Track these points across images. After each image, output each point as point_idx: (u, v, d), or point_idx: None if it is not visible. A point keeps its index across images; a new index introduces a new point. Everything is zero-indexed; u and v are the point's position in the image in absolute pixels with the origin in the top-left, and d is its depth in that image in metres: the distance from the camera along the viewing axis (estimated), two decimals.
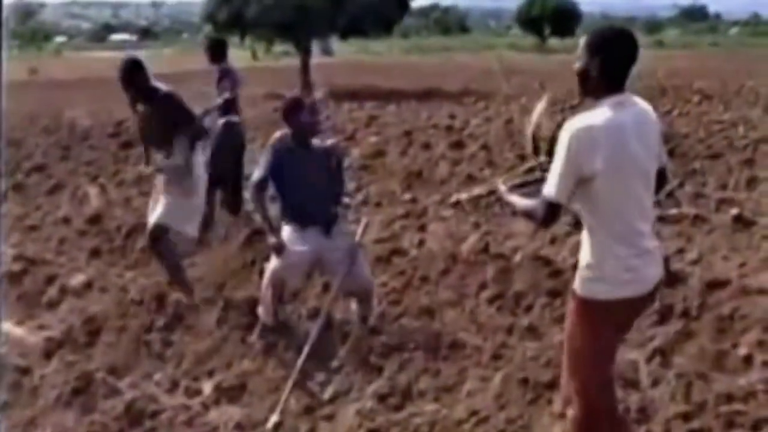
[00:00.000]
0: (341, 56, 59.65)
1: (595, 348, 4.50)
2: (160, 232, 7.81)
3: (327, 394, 6.13)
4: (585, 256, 4.40)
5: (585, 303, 4.42)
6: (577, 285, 4.45)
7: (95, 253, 9.50)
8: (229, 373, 6.43)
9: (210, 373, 6.50)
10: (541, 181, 4.40)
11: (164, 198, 7.89)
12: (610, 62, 4.24)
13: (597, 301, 4.38)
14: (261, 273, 8.46)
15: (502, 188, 4.84)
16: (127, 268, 8.89)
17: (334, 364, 6.45)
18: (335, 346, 6.65)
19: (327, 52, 46.82)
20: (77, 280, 8.23)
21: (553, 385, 5.94)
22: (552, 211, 4.27)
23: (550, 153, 4.43)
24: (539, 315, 7.52)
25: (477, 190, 6.06)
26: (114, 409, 5.61)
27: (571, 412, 4.62)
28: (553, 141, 4.59)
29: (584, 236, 4.44)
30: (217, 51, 10.53)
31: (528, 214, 4.49)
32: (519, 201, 4.62)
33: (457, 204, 5.98)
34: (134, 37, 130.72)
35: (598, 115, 4.22)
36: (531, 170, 6.38)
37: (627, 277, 4.34)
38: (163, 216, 7.80)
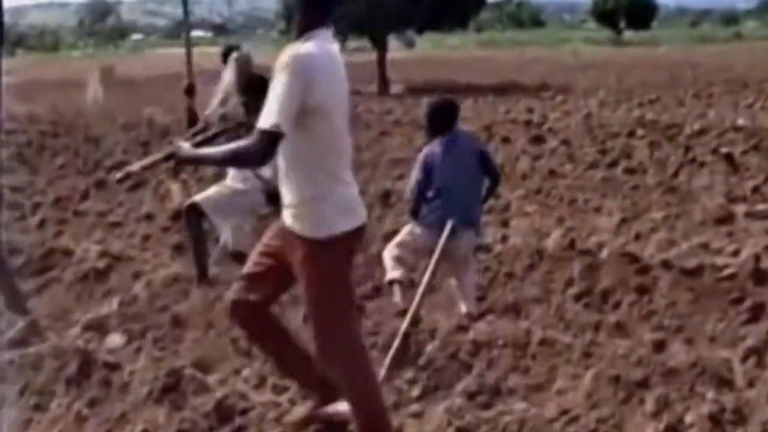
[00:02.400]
0: (415, 51, 59.59)
1: (341, 288, 4.57)
2: (193, 211, 8.09)
3: (415, 391, 6.07)
4: (303, 193, 4.39)
5: (320, 243, 4.40)
6: (304, 228, 4.42)
7: (179, 249, 9.56)
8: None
9: None
10: (234, 129, 4.38)
11: (220, 186, 8.22)
12: None
13: (333, 237, 4.39)
14: None
15: (186, 146, 4.75)
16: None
17: (422, 361, 6.39)
18: (423, 343, 6.58)
19: (410, 44, 46.73)
20: (162, 276, 8.26)
21: (644, 383, 5.83)
22: (271, 141, 4.16)
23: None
24: (627, 312, 7.41)
25: (149, 158, 5.99)
26: (204, 406, 5.59)
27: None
28: None
29: (296, 173, 4.42)
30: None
31: (236, 157, 4.41)
32: (215, 150, 4.57)
33: (126, 178, 5.94)
34: (209, 34, 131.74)
35: (314, 46, 4.21)
36: (203, 130, 6.39)
37: (351, 206, 4.48)
38: (204, 198, 8.11)
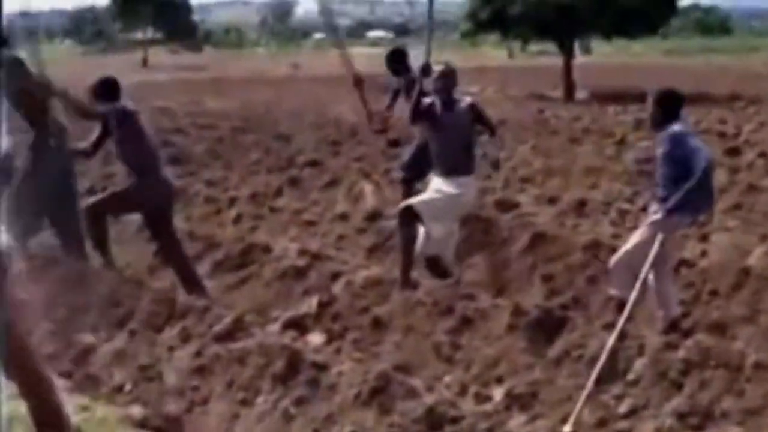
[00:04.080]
0: (599, 56, 58.75)
1: None
2: (410, 214, 8.06)
3: (623, 408, 5.92)
4: None
5: None
6: None
7: (373, 250, 9.59)
8: (520, 380, 6.31)
9: (499, 380, 6.42)
10: None
11: (434, 191, 8.13)
12: None
13: None
14: (543, 278, 8.35)
15: None
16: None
17: (630, 377, 6.21)
18: (631, 359, 6.40)
19: (586, 50, 46.14)
20: (361, 276, 8.28)
21: None
22: None
23: None
24: None
25: None
26: (413, 412, 5.56)
27: None
28: None
29: None
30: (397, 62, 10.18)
31: None
32: None
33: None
34: (390, 34, 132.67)
35: None
36: None
37: None
38: (421, 202, 8.08)
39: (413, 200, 8.22)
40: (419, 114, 8.22)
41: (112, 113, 8.57)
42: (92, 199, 8.61)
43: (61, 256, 8.92)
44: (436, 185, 8.15)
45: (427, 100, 8.17)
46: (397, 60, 10.01)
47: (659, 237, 6.83)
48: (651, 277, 6.98)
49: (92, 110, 8.72)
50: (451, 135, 8.11)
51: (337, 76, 39.27)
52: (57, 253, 9.04)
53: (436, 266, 8.24)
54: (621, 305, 6.97)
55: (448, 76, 8.24)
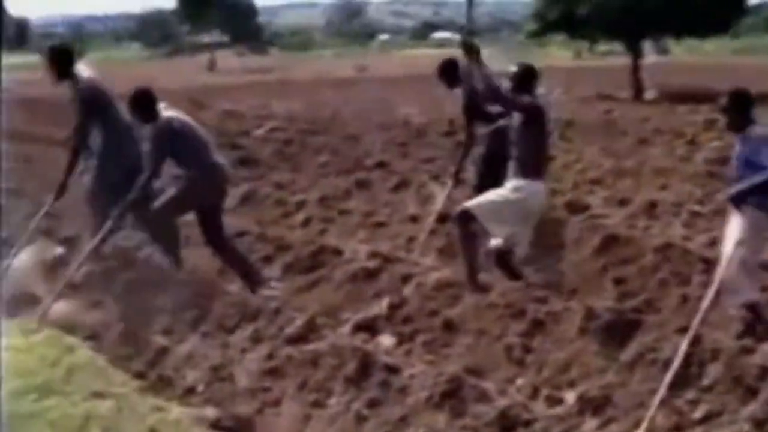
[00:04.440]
0: (666, 55, 58.14)
1: None
2: (466, 217, 8.07)
3: (697, 413, 5.85)
4: None
5: None
6: None
7: (444, 252, 9.57)
8: (592, 384, 6.27)
9: (571, 383, 6.38)
10: None
11: (495, 193, 8.11)
12: None
13: None
14: (615, 280, 8.28)
15: None
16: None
17: (705, 382, 6.14)
18: (705, 363, 6.32)
19: (663, 51, 45.49)
20: (432, 278, 8.28)
21: None
22: None
23: None
24: None
25: None
26: (486, 415, 5.56)
27: None
28: None
29: None
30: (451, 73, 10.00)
31: None
32: None
33: None
34: (455, 35, 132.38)
35: None
36: None
37: None
38: (477, 205, 8.05)
39: (469, 203, 8.19)
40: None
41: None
42: (157, 204, 8.70)
43: (136, 258, 9.06)
44: (504, 187, 8.11)
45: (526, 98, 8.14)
46: (450, 71, 9.70)
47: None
48: (731, 277, 6.89)
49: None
50: (518, 135, 8.08)
51: (404, 77, 39.49)
52: (131, 254, 9.18)
53: (506, 264, 8.18)
54: (752, 308, 6.96)
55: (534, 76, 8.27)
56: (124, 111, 8.95)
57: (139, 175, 8.55)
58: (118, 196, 8.67)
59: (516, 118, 8.13)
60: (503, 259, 8.14)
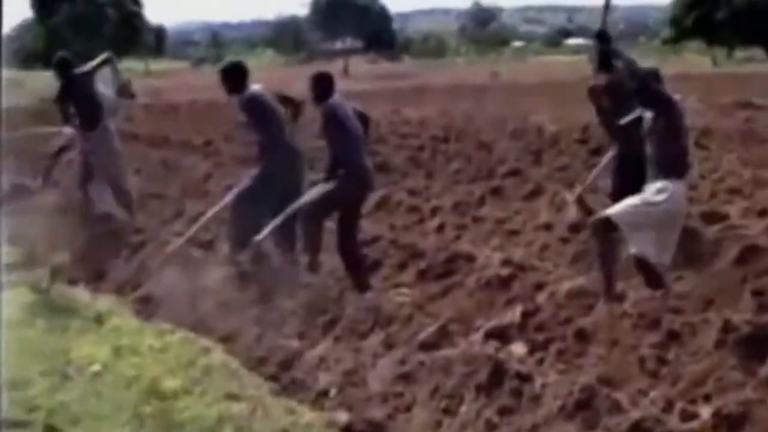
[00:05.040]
0: None
1: None
2: (603, 225, 7.91)
3: None
4: None
5: None
6: None
7: (578, 260, 9.50)
8: (729, 399, 6.11)
9: (707, 397, 6.24)
10: None
11: (634, 198, 7.91)
12: None
13: None
14: (754, 292, 8.07)
15: None
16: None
17: None
18: None
19: None
20: (565, 287, 8.22)
21: None
22: None
23: None
24: None
25: None
26: (618, 426, 5.49)
27: None
28: None
29: None
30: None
31: None
32: None
33: None
34: (590, 42, 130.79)
35: None
36: None
37: None
38: (617, 212, 7.87)
39: (608, 211, 8.04)
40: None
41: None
42: (309, 205, 8.88)
43: (271, 262, 9.23)
44: (642, 194, 7.94)
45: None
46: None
47: None
48: None
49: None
50: (651, 139, 7.93)
51: (537, 84, 39.29)
52: (265, 258, 9.35)
53: (649, 270, 7.99)
54: None
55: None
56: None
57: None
58: (270, 202, 8.95)
59: (649, 117, 7.94)
60: (646, 264, 7.95)
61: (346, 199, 8.98)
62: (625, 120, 8.41)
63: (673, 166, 7.85)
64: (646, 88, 7.91)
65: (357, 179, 8.94)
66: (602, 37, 8.68)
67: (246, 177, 9.65)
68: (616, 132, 9.12)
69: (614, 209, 7.97)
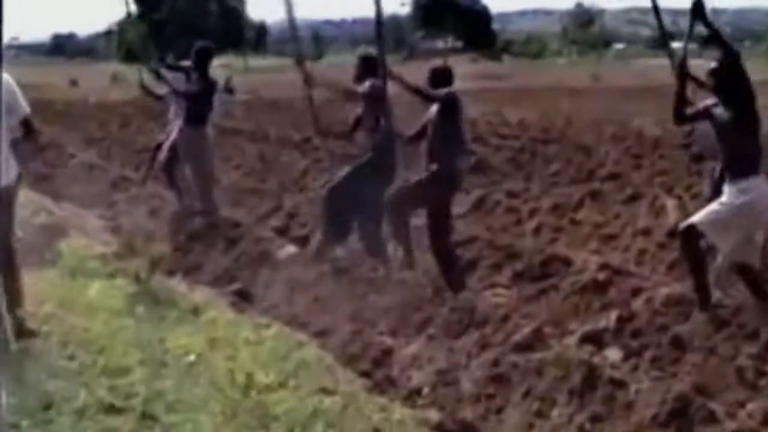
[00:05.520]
0: None
1: None
2: (691, 233, 7.68)
3: None
4: None
5: None
6: None
7: (675, 267, 9.36)
8: None
9: None
10: None
11: (716, 203, 7.72)
12: None
13: None
14: None
15: None
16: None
17: None
18: None
19: None
20: (662, 293, 8.11)
21: None
22: None
23: None
24: None
25: None
26: None
27: None
28: None
29: None
30: None
31: None
32: None
33: None
34: (694, 45, 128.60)
35: None
36: None
37: None
38: (700, 219, 7.67)
39: (693, 218, 7.82)
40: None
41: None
42: (393, 193, 8.93)
43: (365, 260, 9.28)
44: (723, 196, 7.72)
45: (708, 102, 7.81)
46: None
47: None
48: None
49: (433, 93, 9.10)
50: (726, 134, 7.66)
51: (639, 88, 38.77)
52: (361, 254, 9.41)
53: (751, 278, 7.80)
54: None
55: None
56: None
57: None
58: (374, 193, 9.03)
59: (722, 110, 7.64)
60: (748, 271, 7.76)
61: (432, 196, 8.95)
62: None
63: (752, 162, 7.53)
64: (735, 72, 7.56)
65: (449, 178, 8.92)
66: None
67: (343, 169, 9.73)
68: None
69: (698, 216, 7.77)
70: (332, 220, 9.43)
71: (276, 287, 9.00)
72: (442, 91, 8.95)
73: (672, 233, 10.10)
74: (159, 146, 13.31)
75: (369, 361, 7.24)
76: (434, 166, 8.85)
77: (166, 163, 12.47)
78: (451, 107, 8.94)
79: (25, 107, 7.08)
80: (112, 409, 5.74)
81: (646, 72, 55.06)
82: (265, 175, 15.73)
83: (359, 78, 9.54)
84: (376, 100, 9.26)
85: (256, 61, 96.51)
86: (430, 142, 9.03)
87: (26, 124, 7.16)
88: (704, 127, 8.18)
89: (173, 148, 12.34)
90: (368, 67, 9.45)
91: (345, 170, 9.60)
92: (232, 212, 12.33)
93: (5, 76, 6.53)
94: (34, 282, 8.79)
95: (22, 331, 6.76)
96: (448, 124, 8.93)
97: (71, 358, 6.66)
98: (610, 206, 12.34)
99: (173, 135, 12.41)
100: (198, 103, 11.97)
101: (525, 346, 6.98)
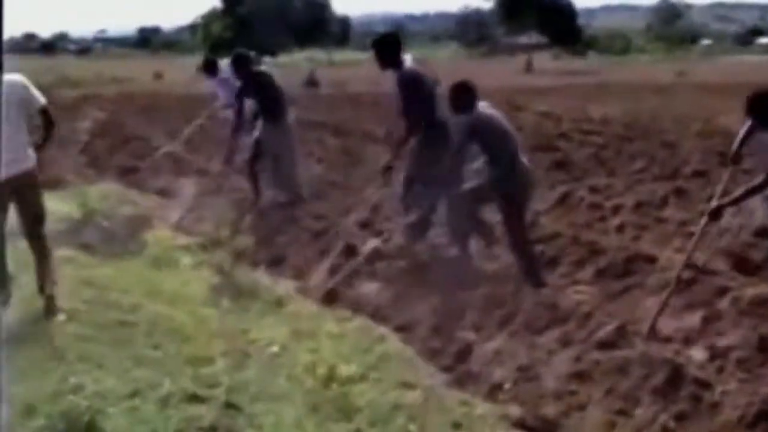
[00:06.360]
0: None
1: None
2: None
3: None
4: None
5: None
6: None
7: (762, 267, 9.21)
8: None
9: None
10: None
11: None
12: None
13: None
14: None
15: None
16: None
17: None
18: None
19: None
20: (748, 293, 7.99)
21: None
22: None
23: None
24: None
25: None
26: None
27: None
28: None
29: None
30: None
31: None
32: None
33: None
34: None
35: None
36: None
37: None
38: None
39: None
40: None
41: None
42: (458, 192, 8.90)
43: (448, 253, 9.28)
44: None
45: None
46: None
47: None
48: None
49: (458, 143, 9.04)
50: None
51: (725, 84, 38.19)
52: (444, 249, 9.41)
53: None
54: None
55: None
56: (443, 107, 9.23)
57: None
58: (428, 188, 9.00)
59: None
60: None
61: (493, 195, 8.89)
62: None
63: None
64: None
65: (508, 177, 8.82)
66: None
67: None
68: None
69: None
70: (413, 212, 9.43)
71: (359, 280, 9.06)
72: (464, 120, 8.79)
73: (760, 232, 9.97)
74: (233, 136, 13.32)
75: (450, 356, 7.25)
76: (494, 169, 8.76)
77: (250, 158, 12.59)
78: (481, 130, 8.76)
79: (40, 99, 7.36)
80: (195, 398, 5.82)
81: (733, 68, 54.29)
82: (348, 169, 15.78)
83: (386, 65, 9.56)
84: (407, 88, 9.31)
85: (339, 55, 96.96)
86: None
87: (44, 114, 7.46)
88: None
89: (257, 144, 12.45)
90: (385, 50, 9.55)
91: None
92: (316, 206, 12.40)
93: (17, 75, 7.09)
94: (119, 272, 8.96)
95: (50, 311, 7.14)
96: (487, 143, 8.81)
97: (156, 347, 6.77)
98: (694, 204, 12.14)
99: (256, 132, 12.52)
100: (268, 100, 12.22)
101: (608, 344, 6.94)
